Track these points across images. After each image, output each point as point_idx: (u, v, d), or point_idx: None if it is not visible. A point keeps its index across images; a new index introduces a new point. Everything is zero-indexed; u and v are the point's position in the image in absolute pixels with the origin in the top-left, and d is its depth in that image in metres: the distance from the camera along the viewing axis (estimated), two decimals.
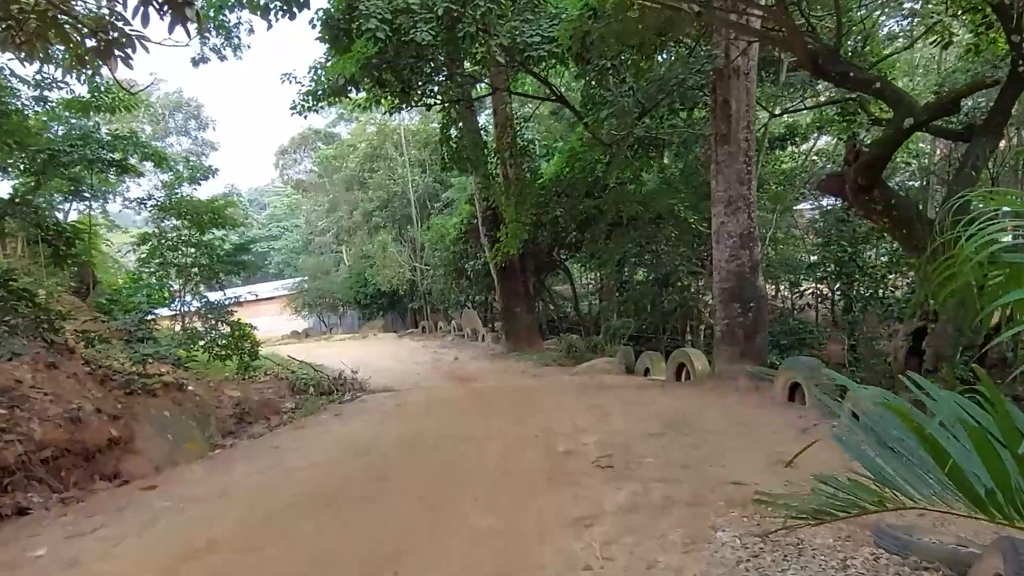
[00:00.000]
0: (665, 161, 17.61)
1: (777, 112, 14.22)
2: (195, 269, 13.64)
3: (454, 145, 15.57)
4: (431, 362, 18.23)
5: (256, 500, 5.08)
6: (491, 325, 24.85)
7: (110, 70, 4.43)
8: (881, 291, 13.70)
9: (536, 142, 18.24)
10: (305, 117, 14.36)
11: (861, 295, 14.30)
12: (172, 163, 14.40)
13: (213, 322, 13.60)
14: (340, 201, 35.85)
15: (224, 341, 13.34)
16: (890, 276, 11.54)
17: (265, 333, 38.04)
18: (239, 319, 14.27)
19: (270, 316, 38.76)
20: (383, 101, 13.29)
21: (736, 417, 7.18)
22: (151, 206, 13.18)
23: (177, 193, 13.49)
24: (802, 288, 17.33)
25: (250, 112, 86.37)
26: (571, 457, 5.79)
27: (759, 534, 3.71)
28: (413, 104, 14.01)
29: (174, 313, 14.01)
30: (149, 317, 11.77)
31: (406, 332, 31.21)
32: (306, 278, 36.29)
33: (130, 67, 4.35)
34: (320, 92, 12.86)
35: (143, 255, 13.74)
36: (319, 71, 12.83)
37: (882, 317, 16.23)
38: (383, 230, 30.87)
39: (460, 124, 15.62)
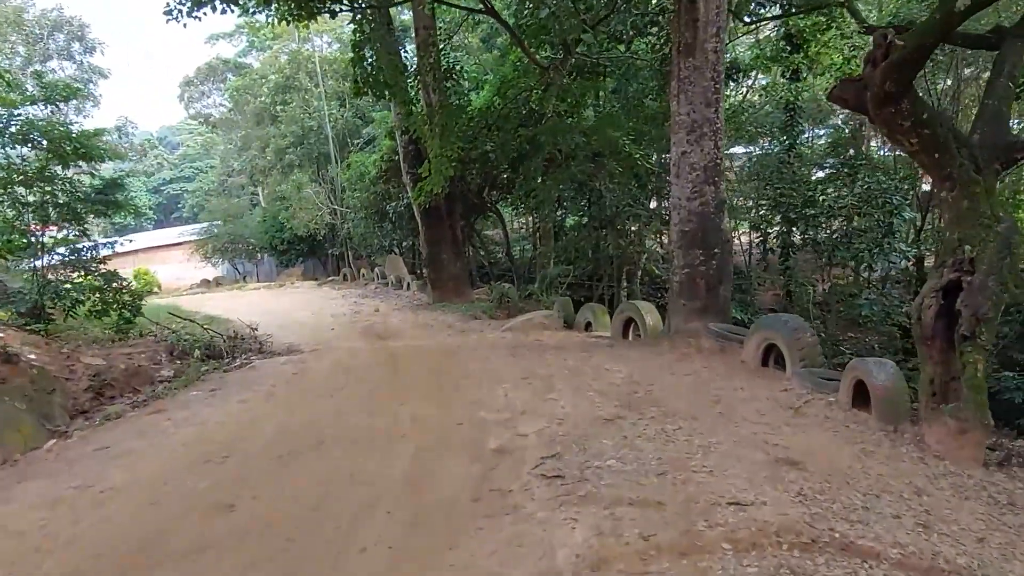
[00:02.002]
0: (606, 92, 16.02)
1: (748, 20, 12.60)
2: (51, 210, 11.29)
3: (368, 66, 13.44)
4: (349, 314, 16.41)
5: None
6: (418, 272, 23.08)
7: None
8: (820, 234, 12.71)
9: (464, 70, 16.19)
10: (184, 25, 11.93)
11: (802, 239, 13.29)
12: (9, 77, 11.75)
13: (76, 273, 11.48)
14: (252, 138, 32.75)
15: (94, 296, 11.29)
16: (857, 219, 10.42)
17: (171, 282, 35.24)
18: (115, 269, 12.14)
19: (178, 264, 35.81)
20: (278, 4, 11.08)
21: (707, 390, 5.84)
22: None
23: (20, 115, 10.98)
24: (737, 232, 16.30)
25: (160, 46, 79.38)
26: (505, 460, 4.29)
27: None
28: (316, 10, 11.79)
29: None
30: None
31: (327, 280, 29.02)
32: (218, 222, 33.28)
33: None
34: None
35: None
36: None
37: (817, 264, 15.46)
38: (298, 169, 28.23)
39: (375, 42, 13.48)
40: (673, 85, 7.63)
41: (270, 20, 14.70)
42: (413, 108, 14.58)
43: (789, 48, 15.79)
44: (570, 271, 14.66)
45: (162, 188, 62.57)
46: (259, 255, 35.23)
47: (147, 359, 9.56)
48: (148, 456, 4.82)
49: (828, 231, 12.47)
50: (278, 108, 28.92)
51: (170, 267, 36.49)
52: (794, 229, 14.18)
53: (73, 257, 11.71)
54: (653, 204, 16.58)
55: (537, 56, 13.20)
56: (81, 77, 31.93)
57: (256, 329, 11.93)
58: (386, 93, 13.78)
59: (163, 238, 39.45)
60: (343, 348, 10.40)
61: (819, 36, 14.16)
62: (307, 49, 30.55)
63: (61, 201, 11.19)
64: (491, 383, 6.55)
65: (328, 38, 33.22)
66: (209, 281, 34.16)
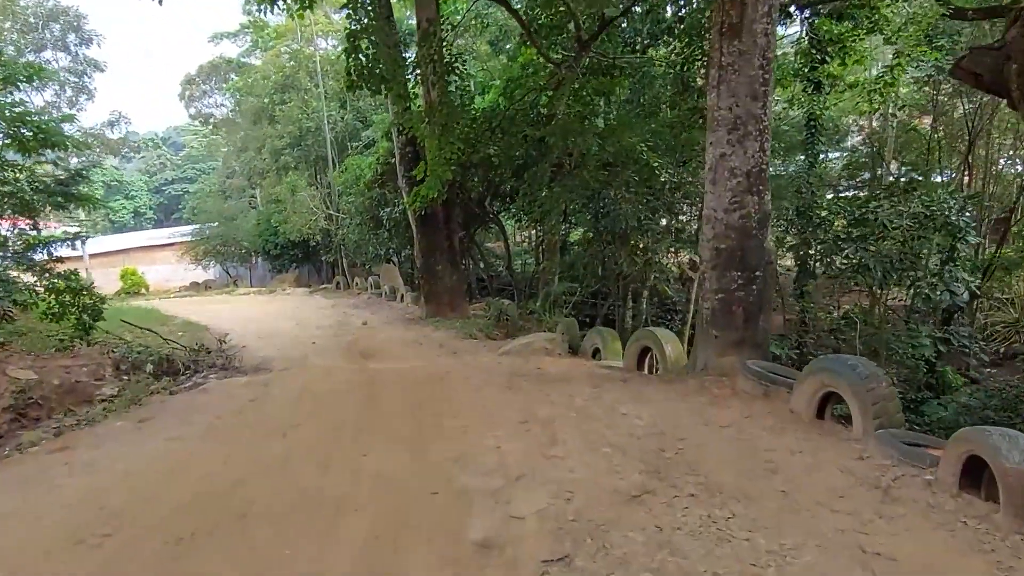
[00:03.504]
0: (619, 100, 14.85)
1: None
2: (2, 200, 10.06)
3: (363, 58, 12.26)
4: (335, 326, 15.15)
5: None
6: (414, 283, 21.82)
7: None
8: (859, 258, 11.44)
9: (468, 71, 15.00)
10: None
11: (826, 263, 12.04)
12: None
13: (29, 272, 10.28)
14: (250, 138, 31.64)
15: (50, 297, 10.10)
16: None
17: (160, 284, 34.00)
18: (73, 269, 10.93)
19: (169, 265, 34.63)
20: None
21: (756, 452, 4.55)
22: None
23: None
24: None
25: (161, 45, 78.62)
26: (492, 561, 3.01)
27: None
28: None
29: None
30: None
31: (319, 288, 27.74)
32: (212, 224, 32.04)
33: None
34: None
35: None
36: None
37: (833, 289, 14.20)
38: (294, 172, 27.03)
39: (372, 32, 12.31)
40: (712, 74, 6.40)
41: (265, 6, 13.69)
42: (411, 105, 13.41)
43: (817, 53, 14.69)
44: (576, 289, 13.38)
45: (164, 188, 61.71)
46: (253, 259, 34.04)
47: (88, 374, 8.30)
48: (8, 524, 3.54)
49: (853, 256, 11.27)
50: (276, 108, 27.79)
51: (161, 268, 35.32)
52: (811, 252, 13.02)
53: (26, 253, 10.56)
54: (663, 221, 15.40)
55: (550, 55, 12.04)
56: (76, 69, 30.91)
57: (225, 342, 10.68)
58: (382, 88, 12.61)
59: (154, 238, 38.26)
60: (318, 368, 9.14)
61: (855, 42, 13.02)
62: (310, 49, 29.47)
63: (5, 190, 9.97)
64: (481, 427, 5.27)
65: (334, 40, 32.18)
66: (199, 284, 32.94)
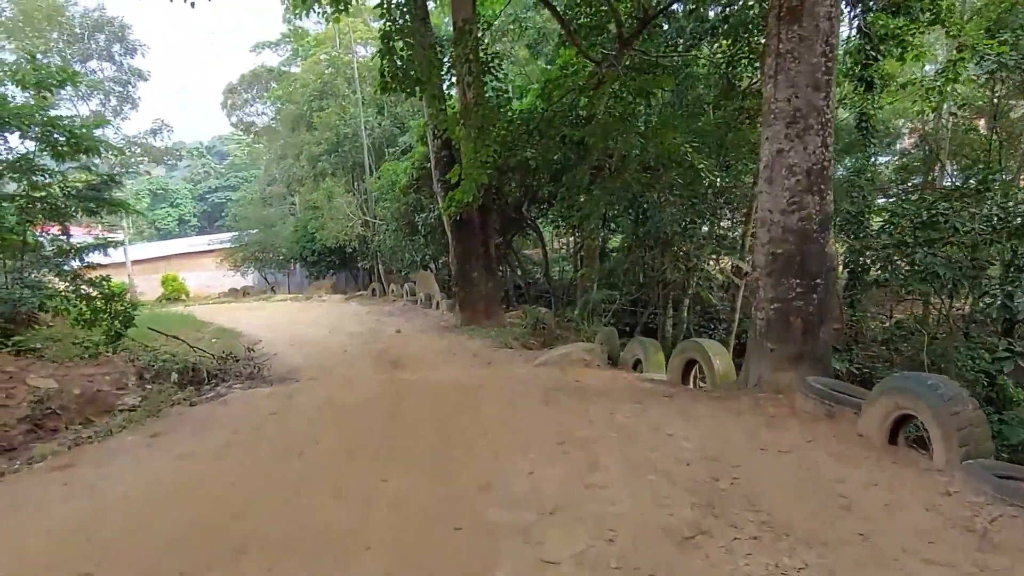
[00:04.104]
0: (663, 99, 14.28)
1: None
2: (36, 204, 9.99)
3: (398, 59, 11.98)
4: (368, 334, 14.88)
5: None
6: (450, 290, 21.51)
7: None
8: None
9: (506, 74, 14.63)
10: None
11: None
12: None
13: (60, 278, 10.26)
14: (289, 145, 31.87)
15: (81, 304, 10.06)
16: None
17: (201, 289, 34.43)
18: (105, 276, 10.86)
19: (208, 271, 35.06)
20: None
21: (824, 483, 4.00)
22: None
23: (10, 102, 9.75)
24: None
25: (208, 57, 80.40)
26: None
27: None
28: None
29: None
30: None
31: (355, 295, 27.69)
32: (253, 231, 32.34)
33: None
34: None
35: None
36: None
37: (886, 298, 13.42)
38: (331, 178, 27.03)
39: (407, 33, 12.02)
40: (769, 63, 5.86)
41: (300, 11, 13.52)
42: (446, 107, 13.10)
43: (871, 50, 13.94)
44: (616, 297, 12.83)
45: (207, 196, 62.96)
46: (291, 265, 34.25)
47: (111, 382, 8.09)
48: None
49: (921, 261, 10.49)
50: (314, 115, 27.88)
51: (201, 274, 35.80)
52: (864, 258, 12.33)
53: (59, 259, 10.54)
54: (705, 228, 14.79)
55: (590, 54, 11.59)
56: (120, 78, 31.50)
57: (253, 349, 10.44)
58: (416, 90, 12.31)
59: (195, 245, 38.84)
60: (345, 378, 8.81)
61: (914, 36, 12.23)
62: (348, 56, 29.54)
63: (38, 195, 9.91)
64: (513, 449, 4.82)
65: (373, 47, 32.24)
66: (237, 290, 33.26)
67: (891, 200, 19.12)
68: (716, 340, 15.56)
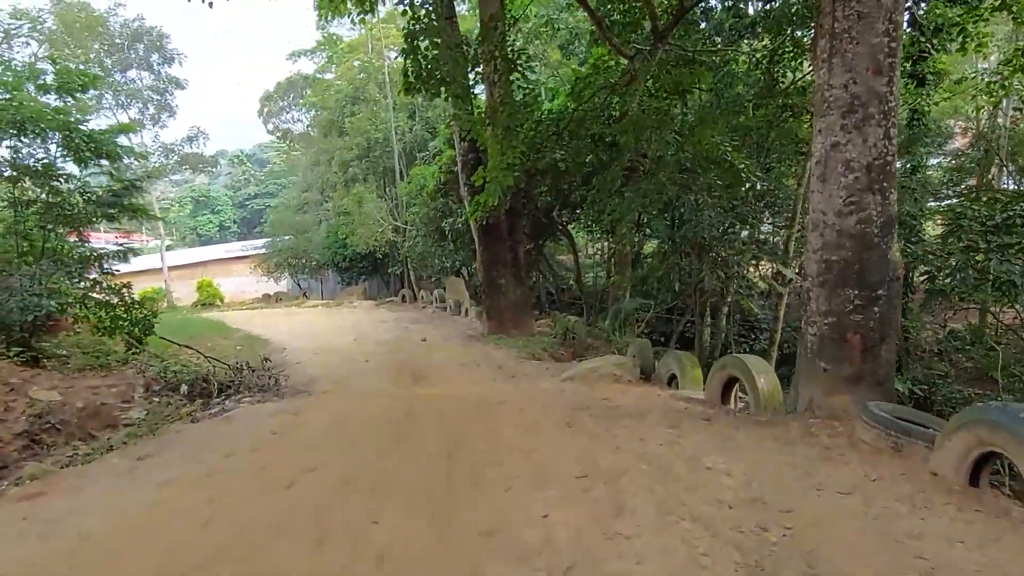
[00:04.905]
0: (701, 97, 13.55)
1: None
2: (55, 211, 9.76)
3: (422, 59, 11.52)
4: (393, 342, 14.44)
5: None
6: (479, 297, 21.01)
7: None
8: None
9: (532, 58, 14.01)
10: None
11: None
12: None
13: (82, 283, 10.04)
14: (323, 151, 31.87)
15: (100, 311, 9.87)
16: None
17: (235, 295, 34.58)
18: (126, 283, 10.65)
19: (243, 277, 35.22)
20: None
21: (897, 538, 3.31)
22: None
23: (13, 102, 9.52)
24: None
25: (246, 65, 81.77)
26: None
27: None
28: None
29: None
30: None
31: (384, 301, 27.40)
32: (286, 237, 32.38)
33: None
34: None
35: None
36: None
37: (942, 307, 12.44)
38: (362, 183, 26.81)
39: (433, 32, 11.55)
40: (821, 45, 5.17)
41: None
42: (472, 108, 12.59)
43: (926, 42, 13.04)
44: (649, 306, 12.12)
45: (247, 203, 63.78)
46: (324, 271, 34.20)
47: (117, 395, 7.73)
48: None
49: (998, 268, 9.58)
50: (346, 120, 27.73)
51: (236, 280, 35.98)
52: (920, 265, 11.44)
53: (80, 266, 10.31)
54: (744, 233, 14.00)
55: (623, 49, 10.96)
56: (157, 87, 31.84)
57: (269, 359, 10.02)
58: (441, 90, 11.83)
59: (231, 250, 39.12)
60: (359, 392, 8.33)
61: (975, 24, 11.29)
62: (379, 61, 29.37)
63: (52, 200, 9.67)
64: (527, 484, 4.22)
65: None
66: (270, 296, 33.28)
67: (943, 204, 18.06)
68: (757, 350, 14.78)
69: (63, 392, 7.35)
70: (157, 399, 7.85)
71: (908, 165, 16.49)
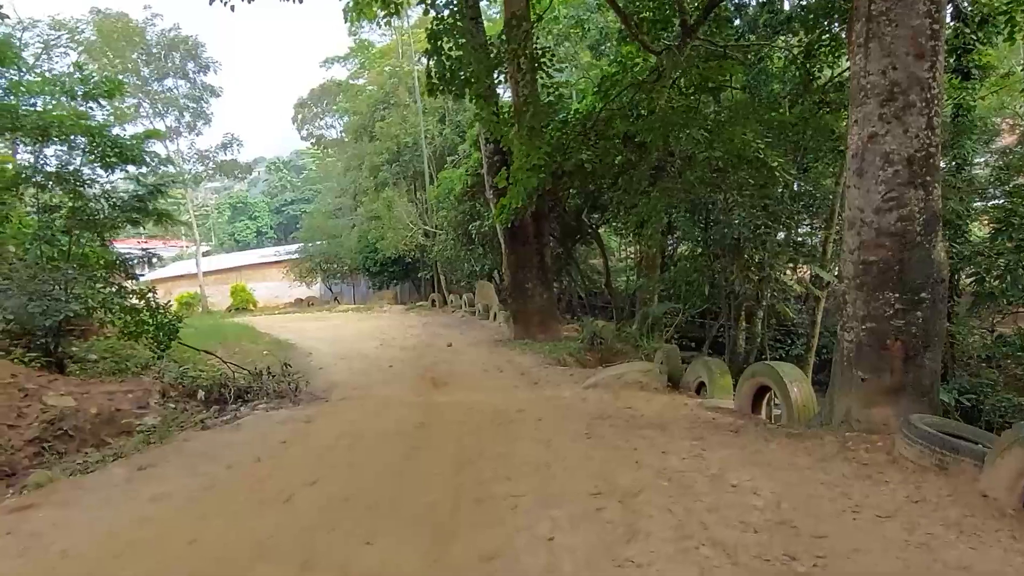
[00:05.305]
0: (734, 91, 13.11)
1: None
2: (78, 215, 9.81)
3: (445, 60, 11.34)
4: (419, 347, 14.27)
5: None
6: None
7: None
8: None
9: (560, 59, 13.76)
10: None
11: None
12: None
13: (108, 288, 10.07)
14: (354, 156, 32.04)
15: (125, 316, 9.90)
16: None
17: (269, 300, 34.95)
18: (151, 287, 10.67)
19: (276, 282, 35.58)
20: None
21: (946, 573, 2.96)
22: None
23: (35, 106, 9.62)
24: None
25: (281, 73, 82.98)
26: None
27: None
28: None
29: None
30: None
31: (415, 305, 27.36)
32: (319, 242, 32.61)
33: None
34: None
35: None
36: None
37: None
38: (392, 187, 26.82)
39: (458, 33, 11.36)
40: (857, 29, 4.79)
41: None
42: (497, 109, 12.37)
43: (971, 33, 12.44)
44: (679, 310, 11.71)
45: (283, 209, 64.68)
46: (355, 276, 34.35)
47: (133, 401, 7.64)
48: None
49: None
50: (376, 124, 27.80)
51: (270, 284, 36.36)
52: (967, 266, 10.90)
53: (103, 272, 10.36)
54: (781, 235, 13.48)
55: (651, 45, 10.63)
56: (193, 95, 32.36)
57: (290, 366, 9.91)
58: (465, 91, 11.63)
59: (265, 256, 39.58)
60: (378, 400, 8.11)
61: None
62: (409, 66, 29.43)
63: (77, 205, 9.71)
64: (537, 501, 3.94)
65: None
66: (302, 300, 33.53)
67: (990, 204, 17.25)
68: (793, 356, 14.22)
69: (78, 398, 7.28)
70: (173, 405, 7.75)
71: (953, 163, 15.80)
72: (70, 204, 9.80)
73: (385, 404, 7.67)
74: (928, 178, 4.61)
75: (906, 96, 4.53)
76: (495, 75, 12.15)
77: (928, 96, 4.55)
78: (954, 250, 10.98)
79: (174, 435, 6.27)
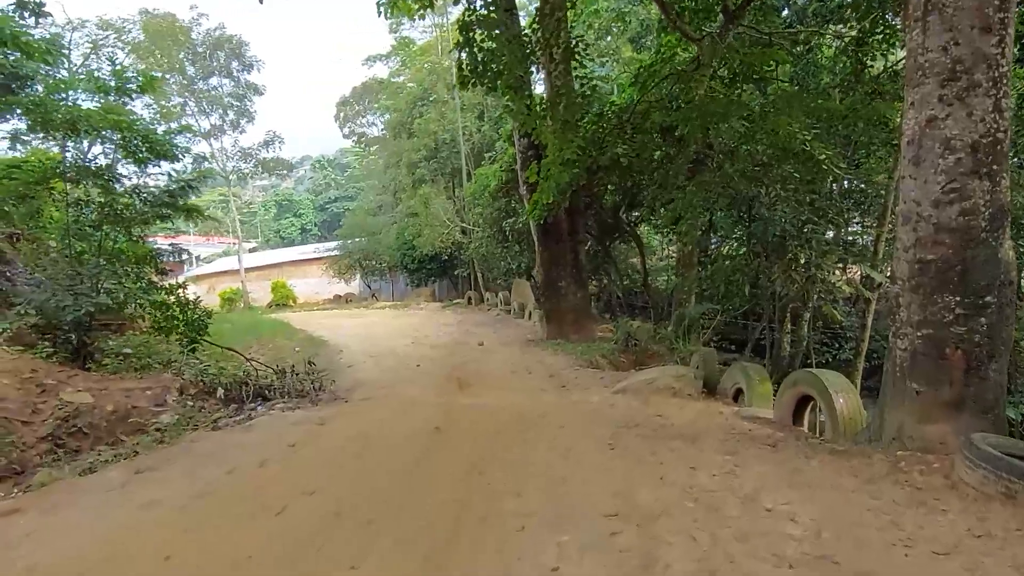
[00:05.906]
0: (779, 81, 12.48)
1: None
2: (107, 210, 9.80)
3: (477, 51, 11.04)
4: (450, 346, 14.02)
5: None
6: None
7: None
8: None
9: (601, 52, 13.31)
10: None
11: None
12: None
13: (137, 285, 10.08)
14: (393, 153, 32.07)
15: (156, 312, 9.92)
16: None
17: (309, 296, 35.28)
18: (182, 283, 10.67)
19: (316, 278, 35.89)
20: None
21: None
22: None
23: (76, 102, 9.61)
24: None
25: (324, 72, 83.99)
26: None
27: None
28: None
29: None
30: None
31: (451, 303, 27.19)
32: (358, 239, 32.76)
33: None
34: None
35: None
36: None
37: None
38: (429, 184, 26.69)
39: (491, 25, 11.03)
40: (914, 2, 4.30)
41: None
42: (530, 102, 12.01)
43: None
44: (717, 311, 11.16)
45: (327, 206, 65.52)
46: (394, 273, 34.42)
47: (150, 398, 7.53)
48: None
49: None
50: (415, 121, 27.72)
51: (310, 280, 36.71)
52: None
53: (135, 267, 10.38)
54: (830, 233, 12.78)
55: (691, 33, 10.14)
56: (237, 93, 32.79)
57: (313, 363, 9.75)
58: (497, 84, 11.30)
59: (305, 252, 40.00)
60: (400, 401, 7.85)
61: None
62: (448, 62, 29.28)
63: (106, 200, 9.70)
64: (545, 522, 3.58)
65: None
66: (340, 297, 33.73)
67: None
68: (841, 361, 13.50)
69: (96, 394, 7.19)
70: (191, 403, 7.62)
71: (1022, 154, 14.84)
72: (100, 199, 9.78)
73: (404, 406, 7.40)
74: (995, 167, 4.09)
75: (970, 75, 4.02)
76: (528, 66, 11.78)
77: (995, 75, 4.03)
78: (1023, 248, 10.19)
79: (184, 435, 6.08)
